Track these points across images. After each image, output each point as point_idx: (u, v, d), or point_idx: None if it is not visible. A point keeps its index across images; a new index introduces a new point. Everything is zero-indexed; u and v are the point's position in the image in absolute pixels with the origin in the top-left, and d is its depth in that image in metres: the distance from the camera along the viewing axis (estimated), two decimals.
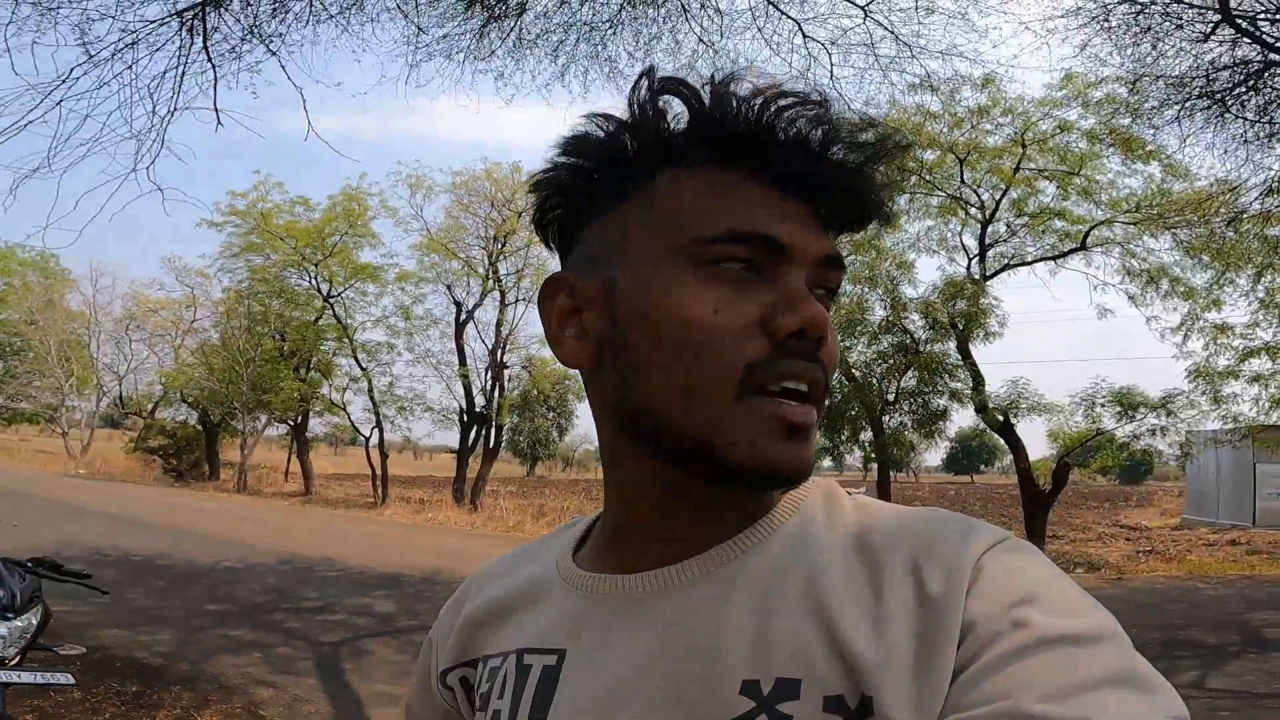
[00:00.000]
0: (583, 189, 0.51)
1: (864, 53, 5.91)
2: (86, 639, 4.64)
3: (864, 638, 0.42)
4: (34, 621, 2.40)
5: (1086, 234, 11.17)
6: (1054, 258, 11.78)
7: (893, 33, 5.71)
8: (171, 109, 4.67)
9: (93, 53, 4.26)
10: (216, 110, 4.69)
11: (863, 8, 5.50)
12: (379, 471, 17.94)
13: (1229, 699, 4.61)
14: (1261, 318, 11.52)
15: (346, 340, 18.59)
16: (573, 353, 0.51)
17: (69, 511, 12.09)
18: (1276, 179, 6.77)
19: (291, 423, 20.32)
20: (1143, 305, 11.49)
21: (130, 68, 4.44)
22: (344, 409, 19.42)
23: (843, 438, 13.25)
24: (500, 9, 5.15)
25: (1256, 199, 7.19)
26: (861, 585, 0.44)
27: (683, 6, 5.50)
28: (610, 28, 5.50)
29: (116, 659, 4.48)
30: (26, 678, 2.26)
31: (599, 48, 5.90)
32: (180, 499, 16.58)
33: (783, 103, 0.47)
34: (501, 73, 6.01)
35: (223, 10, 4.62)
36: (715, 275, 0.46)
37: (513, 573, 0.58)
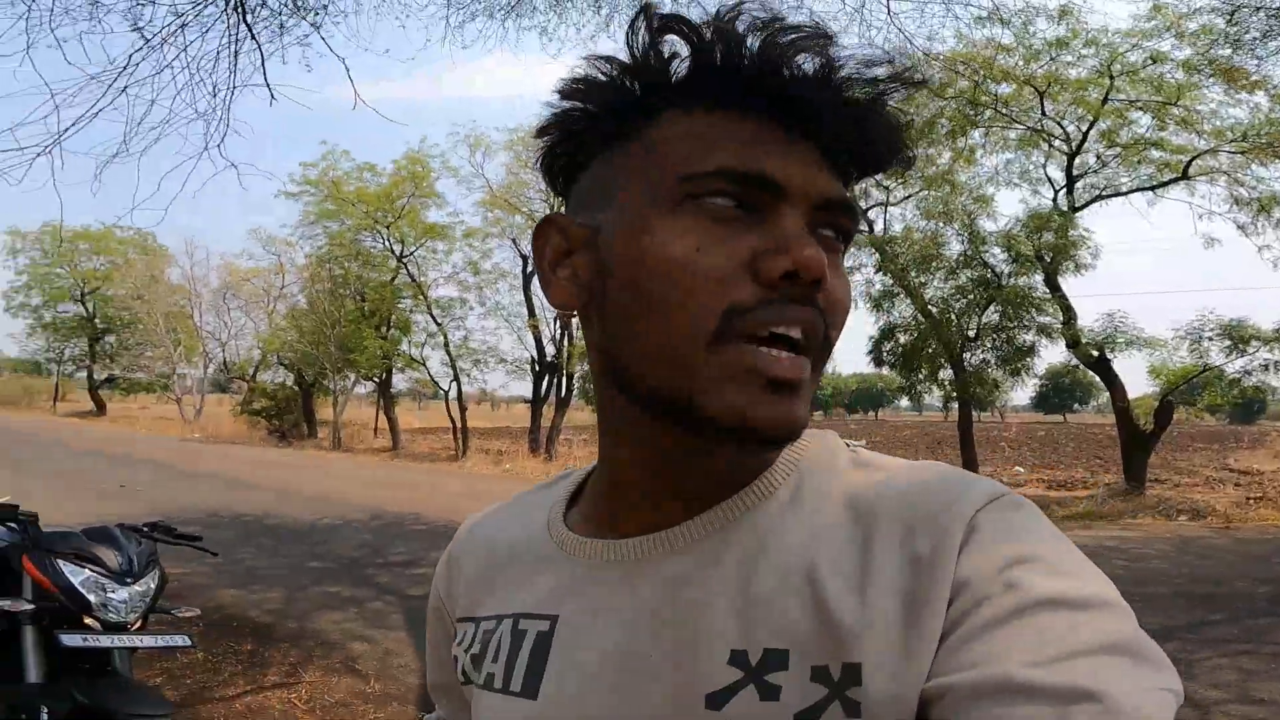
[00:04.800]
0: (585, 134, 0.49)
1: None
2: (205, 600, 5.21)
3: (849, 604, 0.41)
4: (152, 585, 2.43)
5: (1189, 164, 10.48)
6: (1152, 188, 11.18)
7: None
8: (230, 88, 4.87)
9: (148, 37, 4.43)
10: (269, 86, 4.86)
11: None
12: (459, 424, 18.77)
13: None
14: None
15: (421, 297, 19.45)
16: (564, 296, 0.49)
17: (186, 475, 13.25)
18: None
19: (377, 380, 21.35)
20: (1253, 235, 10.77)
21: (184, 50, 4.62)
22: (423, 364, 20.42)
23: (920, 376, 13.00)
24: None
25: None
26: (851, 549, 0.43)
27: None
28: None
29: (233, 619, 4.99)
30: (149, 641, 2.33)
31: None
32: (283, 458, 17.79)
33: (787, 37, 0.44)
34: (545, 28, 6.00)
35: None
36: (703, 212, 0.43)
37: (506, 529, 0.57)
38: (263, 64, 4.78)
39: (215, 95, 4.75)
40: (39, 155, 3.97)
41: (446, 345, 19.18)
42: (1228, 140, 9.93)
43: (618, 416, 0.49)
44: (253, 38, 4.76)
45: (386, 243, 19.74)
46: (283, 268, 25.77)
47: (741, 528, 0.46)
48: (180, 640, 2.45)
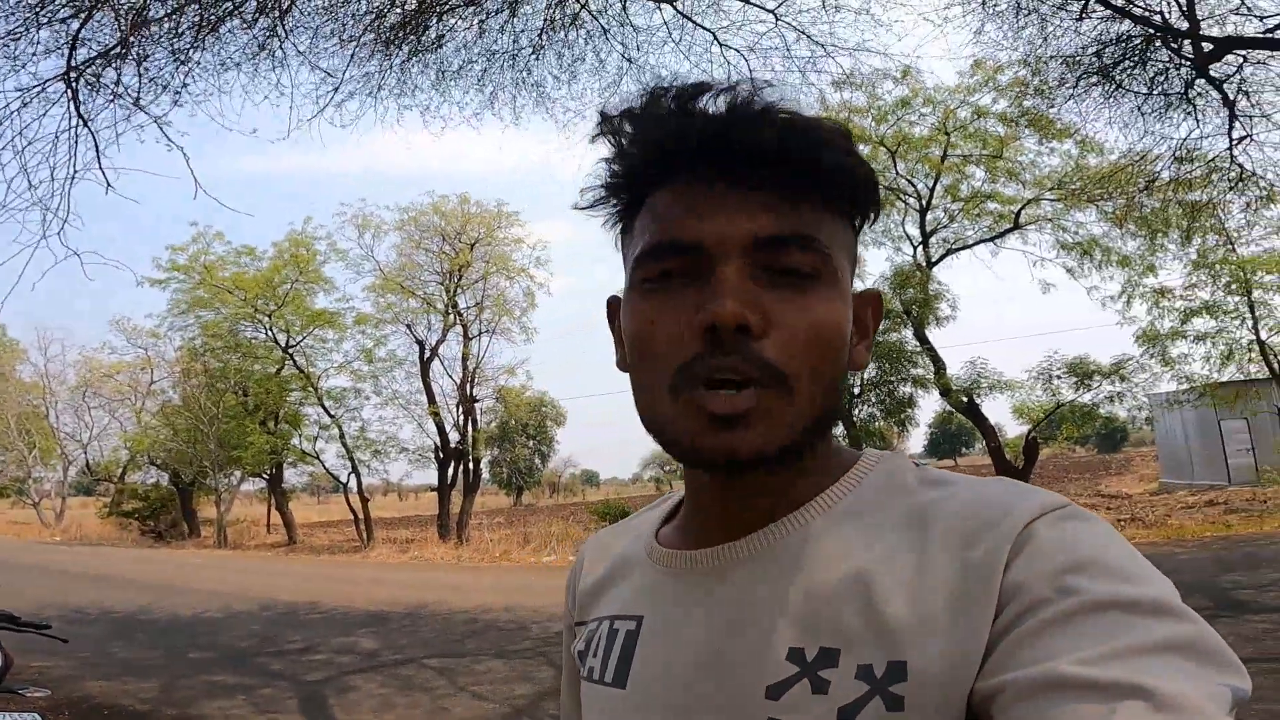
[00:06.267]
0: (612, 207, 0.56)
1: (781, 56, 6.04)
2: (71, 691, 4.70)
3: (900, 605, 0.44)
4: None
5: (1018, 213, 11.63)
6: (992, 239, 12.22)
7: (804, 34, 5.88)
8: (70, 173, 4.54)
9: None
10: (104, 172, 4.57)
11: (772, 11, 5.67)
12: (361, 515, 17.78)
13: None
14: (1197, 279, 12.03)
15: (311, 389, 18.09)
16: (618, 360, 0.56)
17: (48, 575, 11.99)
18: (1180, 147, 7.16)
19: (266, 476, 19.98)
20: (1081, 277, 11.99)
21: (20, 134, 4.36)
22: (317, 458, 19.05)
23: None
24: (415, 44, 5.07)
25: (1165, 167, 7.58)
26: (907, 556, 0.46)
27: (602, 28, 5.61)
28: (533, 53, 5.59)
29: (103, 708, 4.50)
30: None
31: (524, 74, 5.91)
32: (161, 557, 16.36)
33: (661, 99, 0.49)
34: (428, 106, 5.92)
35: (116, 68, 4.47)
36: (654, 290, 0.50)
37: (617, 543, 0.65)
38: (97, 151, 4.51)
39: (53, 179, 4.44)
40: None
41: (342, 437, 18.01)
42: (1046, 188, 11.18)
43: None
44: (85, 124, 4.50)
45: (270, 332, 18.27)
46: (150, 362, 23.32)
47: (803, 539, 0.51)
48: (28, 718, 2.51)
